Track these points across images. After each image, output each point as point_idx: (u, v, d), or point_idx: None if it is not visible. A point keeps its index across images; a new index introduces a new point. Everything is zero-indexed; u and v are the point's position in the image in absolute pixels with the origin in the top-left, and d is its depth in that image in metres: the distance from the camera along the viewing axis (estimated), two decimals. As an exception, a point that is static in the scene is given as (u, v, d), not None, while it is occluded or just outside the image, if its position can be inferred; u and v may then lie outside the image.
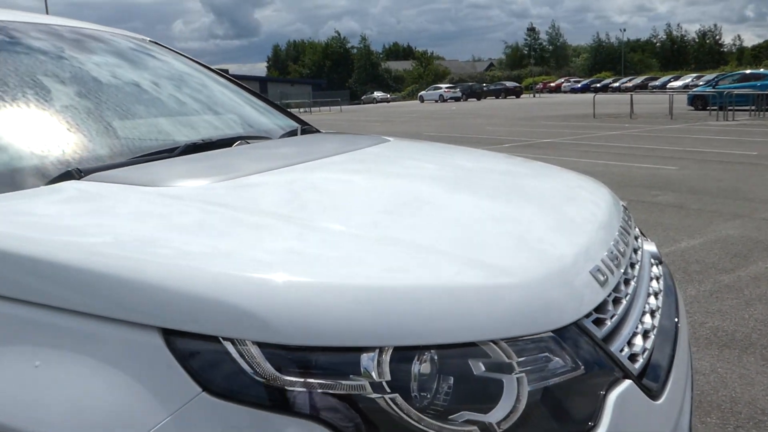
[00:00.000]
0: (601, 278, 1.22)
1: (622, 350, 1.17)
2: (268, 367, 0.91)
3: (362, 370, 0.93)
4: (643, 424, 1.12)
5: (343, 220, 1.26)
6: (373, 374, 0.93)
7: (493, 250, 1.18)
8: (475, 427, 0.95)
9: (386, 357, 0.94)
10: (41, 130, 1.65)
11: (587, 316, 1.13)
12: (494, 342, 1.00)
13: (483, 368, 0.98)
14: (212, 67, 2.84)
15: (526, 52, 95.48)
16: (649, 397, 1.15)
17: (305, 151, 1.98)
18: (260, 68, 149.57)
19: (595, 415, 1.04)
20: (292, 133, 2.37)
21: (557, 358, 1.05)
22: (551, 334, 1.05)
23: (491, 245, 1.20)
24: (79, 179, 1.41)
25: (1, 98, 1.64)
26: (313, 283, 0.98)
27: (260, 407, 0.91)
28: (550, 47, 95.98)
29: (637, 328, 1.27)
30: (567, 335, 1.07)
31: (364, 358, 0.93)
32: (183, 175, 1.51)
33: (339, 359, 0.93)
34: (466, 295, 1.03)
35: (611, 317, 1.20)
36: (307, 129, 2.55)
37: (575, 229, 1.39)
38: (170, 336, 0.95)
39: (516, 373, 0.99)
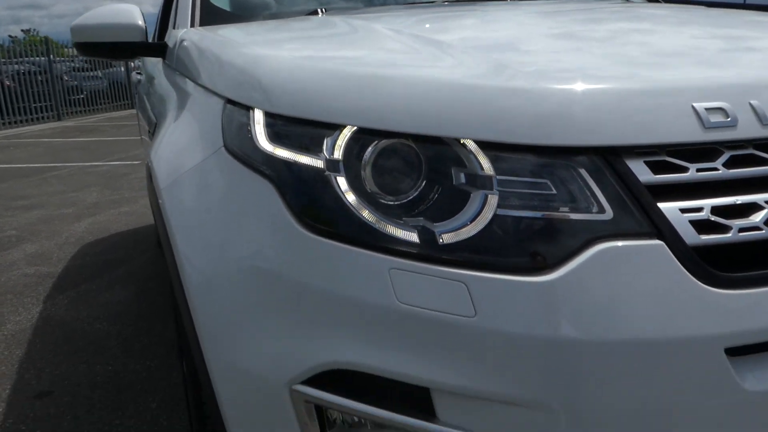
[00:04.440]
0: (714, 119, 0.86)
1: (691, 211, 0.84)
2: (262, 133, 0.99)
3: (324, 145, 0.92)
4: (670, 298, 0.79)
5: (449, 37, 1.27)
6: (329, 151, 0.92)
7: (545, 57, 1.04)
8: (415, 234, 0.85)
9: (345, 136, 0.91)
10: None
11: (639, 151, 0.85)
12: (470, 146, 0.87)
13: (453, 174, 0.87)
14: None
15: None
16: (701, 280, 0.80)
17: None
18: None
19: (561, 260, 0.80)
20: None
21: (559, 188, 0.84)
22: (560, 157, 0.85)
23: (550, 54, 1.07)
24: (319, 14, 1.87)
25: None
26: (319, 68, 1.03)
27: (245, 164, 1.00)
28: None
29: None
30: (586, 163, 0.84)
31: (328, 134, 0.92)
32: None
33: (311, 132, 0.94)
34: (456, 91, 0.90)
35: (701, 169, 0.85)
36: None
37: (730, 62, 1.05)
38: (227, 104, 1.12)
39: (489, 191, 0.85)
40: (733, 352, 0.80)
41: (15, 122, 12.53)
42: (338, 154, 0.90)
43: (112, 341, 2.73)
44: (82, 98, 14.45)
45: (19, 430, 2.10)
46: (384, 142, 0.89)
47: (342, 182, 0.89)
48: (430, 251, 0.83)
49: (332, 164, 0.90)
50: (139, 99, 3.32)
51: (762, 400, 0.79)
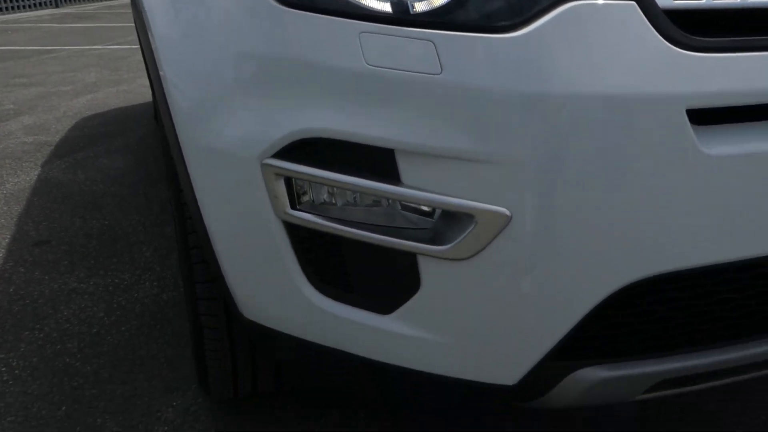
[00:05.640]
0: None
1: None
2: None
3: None
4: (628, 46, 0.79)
5: None
6: None
7: None
8: (388, 4, 0.83)
9: None
10: None
11: None
12: None
13: None
14: None
15: None
16: (669, 41, 0.80)
17: None
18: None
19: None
20: None
21: None
22: None
23: None
24: None
25: None
26: None
27: None
28: None
29: None
30: None
31: None
32: None
33: None
34: None
35: None
36: None
37: None
38: None
39: None
40: (699, 120, 0.80)
41: (12, 7, 12.19)
42: None
43: (108, 200, 2.77)
44: (81, -15, 14.01)
45: (18, 272, 2.16)
46: None
47: None
48: (400, 17, 0.82)
49: None
50: None
51: (723, 165, 0.80)
